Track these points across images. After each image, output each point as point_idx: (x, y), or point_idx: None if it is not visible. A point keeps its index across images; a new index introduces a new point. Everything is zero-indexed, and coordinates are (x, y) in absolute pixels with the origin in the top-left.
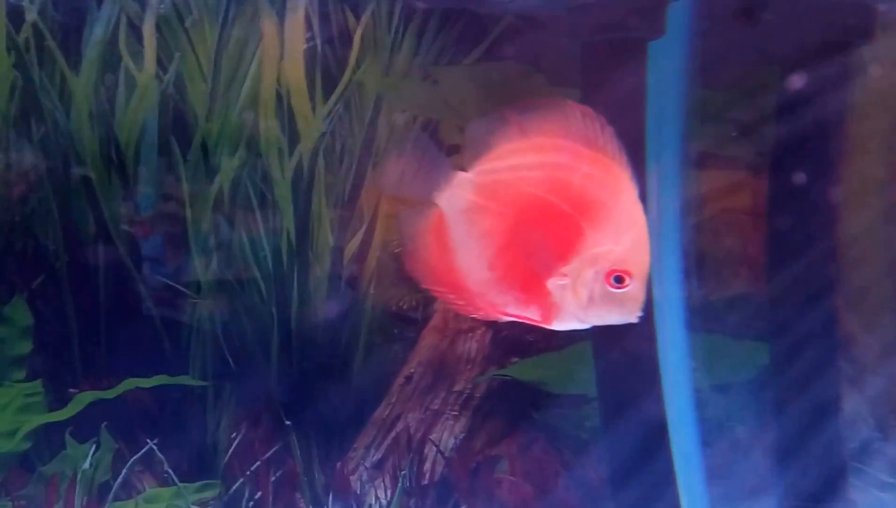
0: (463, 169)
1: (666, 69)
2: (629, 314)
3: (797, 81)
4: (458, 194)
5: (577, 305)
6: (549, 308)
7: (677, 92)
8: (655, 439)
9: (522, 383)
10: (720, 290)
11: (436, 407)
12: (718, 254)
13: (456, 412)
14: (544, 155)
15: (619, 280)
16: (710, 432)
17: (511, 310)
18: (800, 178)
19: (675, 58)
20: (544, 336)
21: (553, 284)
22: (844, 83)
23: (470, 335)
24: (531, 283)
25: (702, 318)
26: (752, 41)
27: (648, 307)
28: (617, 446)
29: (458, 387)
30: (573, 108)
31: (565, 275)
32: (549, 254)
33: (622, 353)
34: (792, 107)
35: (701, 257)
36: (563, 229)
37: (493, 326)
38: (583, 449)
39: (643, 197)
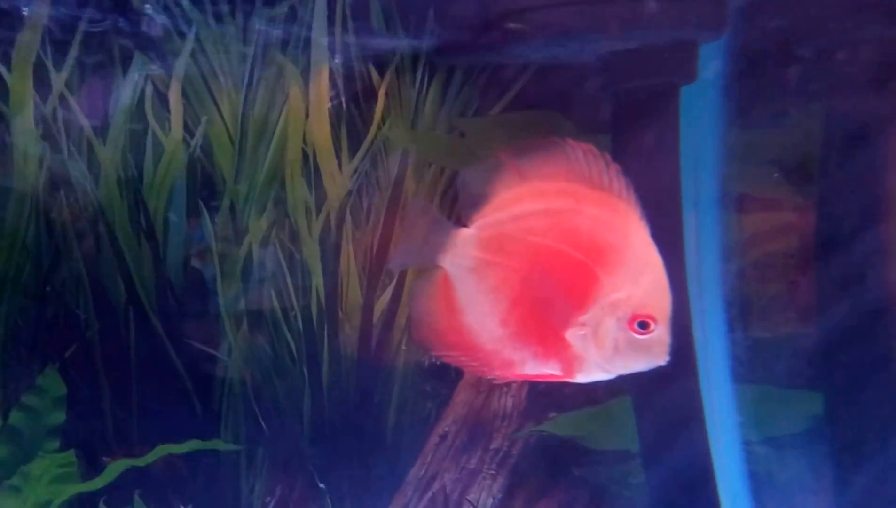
0: (463, 224)
1: (701, 113)
2: (656, 359)
3: (841, 118)
4: (461, 253)
5: (601, 355)
6: (570, 361)
7: (714, 135)
8: (704, 496)
9: (561, 439)
10: (767, 338)
11: (472, 466)
12: (764, 301)
13: (493, 471)
14: (547, 201)
15: (644, 326)
16: (762, 488)
17: (529, 366)
18: (848, 218)
19: (709, 101)
20: (583, 390)
21: (573, 335)
22: (891, 118)
23: (505, 390)
24: (548, 336)
25: (748, 368)
26: (791, 79)
27: (691, 358)
28: (663, 503)
29: (494, 445)
30: (574, 147)
31: (585, 324)
32: (565, 304)
33: (665, 406)
34: (836, 144)
35: (745, 305)
36: (576, 278)
37: (529, 380)
38: (627, 507)
39: (679, 243)
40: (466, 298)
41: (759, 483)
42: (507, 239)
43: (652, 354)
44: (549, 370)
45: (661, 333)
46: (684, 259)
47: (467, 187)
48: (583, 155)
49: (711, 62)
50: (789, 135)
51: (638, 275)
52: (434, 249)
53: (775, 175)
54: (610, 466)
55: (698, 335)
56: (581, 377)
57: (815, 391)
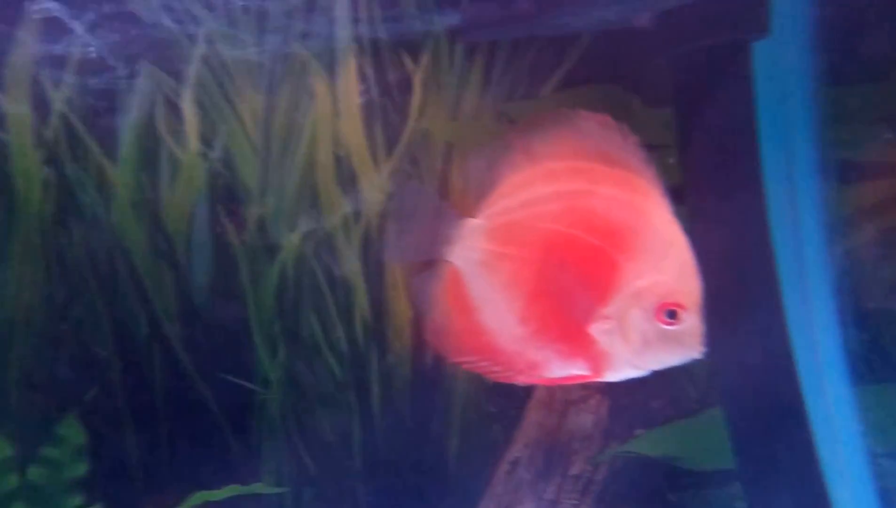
0: (471, 215)
1: (784, 69)
2: (691, 352)
3: None
4: (470, 246)
5: (629, 350)
6: (597, 358)
7: (802, 95)
8: None
9: (652, 459)
10: (890, 331)
11: (551, 496)
12: (883, 287)
13: (575, 501)
14: (558, 183)
15: (673, 315)
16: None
17: (555, 366)
18: None
19: (791, 56)
20: (670, 402)
21: (597, 329)
22: None
23: (582, 406)
24: (571, 332)
25: (868, 367)
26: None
27: (790, 359)
28: None
29: (574, 470)
30: (588, 120)
31: (609, 317)
32: (585, 296)
33: (761, 417)
34: None
35: (860, 293)
36: (595, 266)
37: (610, 393)
38: None
39: (763, 224)
40: (480, 295)
41: (890, 501)
42: (517, 228)
43: (685, 346)
44: (576, 371)
45: (692, 321)
46: (771, 243)
47: (472, 174)
48: (597, 128)
49: (789, 11)
50: None
51: (661, 259)
52: (439, 242)
53: (887, 135)
54: (710, 489)
55: (801, 331)
56: (610, 376)
57: None
